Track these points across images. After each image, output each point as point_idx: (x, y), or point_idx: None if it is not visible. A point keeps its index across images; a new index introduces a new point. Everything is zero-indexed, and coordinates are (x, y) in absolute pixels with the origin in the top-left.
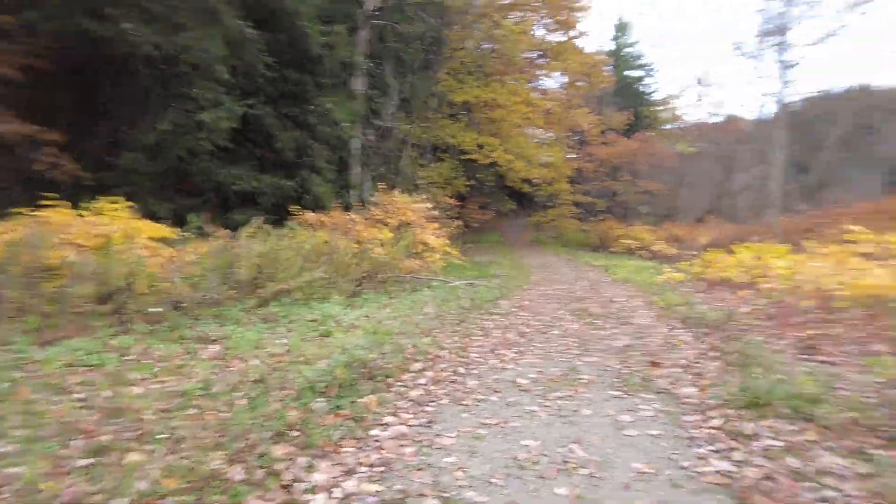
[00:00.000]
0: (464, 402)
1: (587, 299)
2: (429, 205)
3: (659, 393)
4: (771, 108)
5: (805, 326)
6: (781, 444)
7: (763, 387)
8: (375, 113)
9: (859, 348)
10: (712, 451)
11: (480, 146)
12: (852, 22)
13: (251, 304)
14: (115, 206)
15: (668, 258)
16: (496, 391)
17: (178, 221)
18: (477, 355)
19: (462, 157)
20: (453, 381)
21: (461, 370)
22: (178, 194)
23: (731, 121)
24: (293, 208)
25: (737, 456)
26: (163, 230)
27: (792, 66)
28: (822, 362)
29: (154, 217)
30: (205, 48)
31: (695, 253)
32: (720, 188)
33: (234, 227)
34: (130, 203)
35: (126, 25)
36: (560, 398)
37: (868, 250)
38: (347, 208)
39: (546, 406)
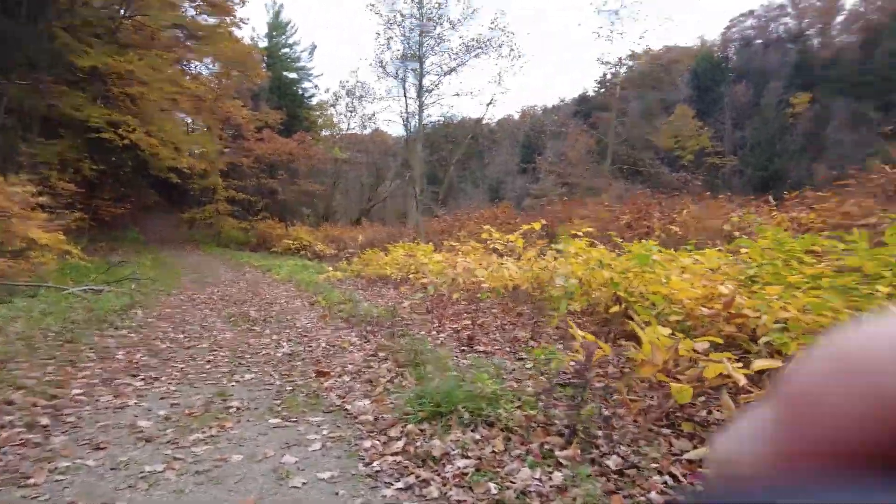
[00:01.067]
0: (30, 480)
1: (245, 303)
2: (31, 189)
3: (329, 412)
4: (412, 125)
5: (460, 318)
6: (474, 463)
7: (441, 389)
8: None
9: (507, 335)
10: (401, 489)
11: (115, 125)
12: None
13: None
14: None
15: (329, 258)
16: (100, 447)
17: None
18: (81, 391)
19: (89, 136)
20: (23, 443)
21: (43, 420)
22: None
23: (379, 134)
24: None
25: (433, 492)
26: None
27: (428, 90)
28: (482, 352)
29: None
30: None
31: (353, 252)
32: (371, 193)
33: None
34: None
35: None
36: (201, 442)
37: (499, 247)
38: None
39: (178, 459)
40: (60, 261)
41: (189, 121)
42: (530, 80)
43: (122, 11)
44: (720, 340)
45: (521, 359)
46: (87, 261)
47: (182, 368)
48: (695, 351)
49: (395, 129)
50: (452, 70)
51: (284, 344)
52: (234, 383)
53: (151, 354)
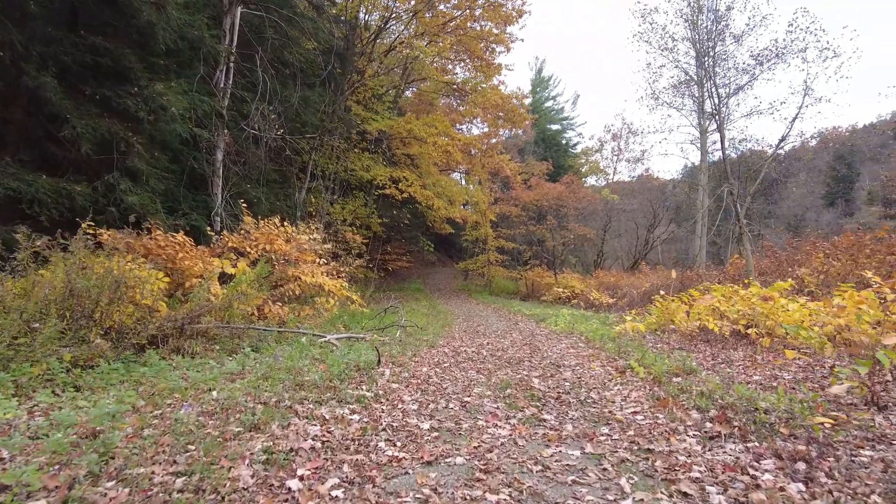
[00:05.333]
0: None
1: (522, 362)
2: (317, 236)
3: None
4: (694, 158)
5: None
6: None
7: None
8: (244, 118)
9: None
10: None
11: (395, 181)
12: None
13: None
14: None
15: (606, 307)
16: None
17: None
18: None
19: (377, 193)
20: None
21: None
22: None
23: (649, 177)
24: (88, 225)
25: None
26: None
27: (711, 115)
28: None
29: None
30: None
31: (635, 300)
32: (648, 236)
33: None
34: None
35: None
36: None
37: None
38: (191, 233)
39: None
40: (340, 307)
41: (460, 176)
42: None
43: (402, 80)
44: None
45: None
46: (366, 307)
47: None
48: None
49: (672, 165)
50: (740, 89)
51: (611, 470)
52: None
53: (359, 480)
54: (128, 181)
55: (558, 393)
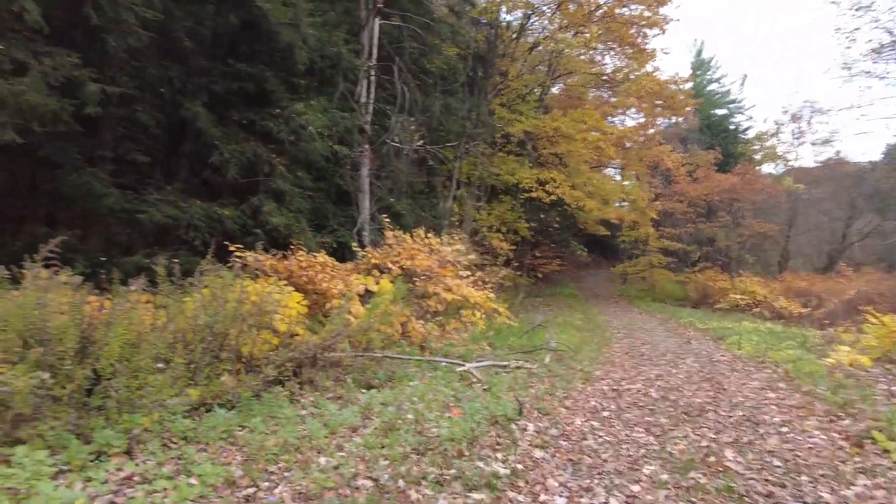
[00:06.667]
0: None
1: (705, 414)
2: (461, 247)
3: None
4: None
5: None
6: None
7: None
8: (387, 131)
9: None
10: None
11: (542, 182)
12: None
13: None
14: None
15: (797, 318)
16: None
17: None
18: None
19: (524, 197)
20: None
21: None
22: (12, 223)
23: (840, 162)
24: (236, 248)
25: None
26: None
27: None
28: None
29: None
30: None
31: (842, 313)
32: (845, 231)
33: (132, 275)
34: None
35: None
36: None
37: None
38: (339, 250)
39: None
40: (486, 321)
41: (615, 172)
42: None
43: (548, 77)
44: None
45: None
46: (513, 320)
47: None
48: None
49: (869, 146)
50: None
51: None
52: None
53: None
54: (272, 202)
55: (767, 486)
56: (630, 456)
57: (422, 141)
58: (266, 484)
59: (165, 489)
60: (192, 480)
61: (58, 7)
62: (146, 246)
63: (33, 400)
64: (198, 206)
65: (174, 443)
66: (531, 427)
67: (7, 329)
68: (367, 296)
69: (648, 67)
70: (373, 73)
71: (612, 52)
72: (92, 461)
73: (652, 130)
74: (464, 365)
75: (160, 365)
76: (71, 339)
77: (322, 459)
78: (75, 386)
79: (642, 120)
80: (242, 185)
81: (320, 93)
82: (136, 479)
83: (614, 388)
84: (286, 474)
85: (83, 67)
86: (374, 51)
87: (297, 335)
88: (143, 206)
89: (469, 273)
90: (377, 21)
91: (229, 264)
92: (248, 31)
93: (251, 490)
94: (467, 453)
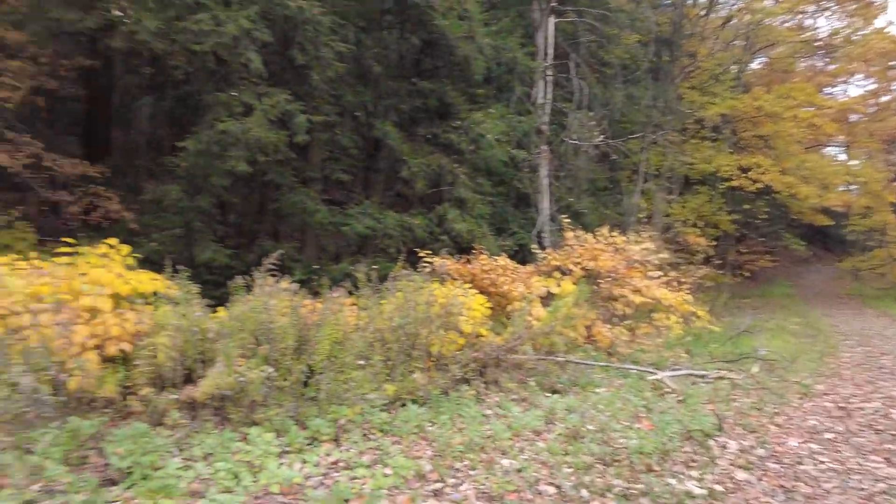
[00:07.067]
0: None
1: None
2: (649, 245)
3: None
4: None
5: None
6: None
7: None
8: (564, 129)
9: None
10: None
11: (744, 169)
12: None
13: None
14: (107, 251)
15: None
16: None
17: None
18: None
19: (724, 186)
20: None
21: None
22: (247, 239)
23: None
24: (425, 254)
25: None
26: (151, 283)
27: None
28: None
29: (194, 267)
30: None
31: None
32: None
33: (337, 282)
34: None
35: (115, 12)
36: None
37: None
38: (519, 252)
39: None
40: (684, 325)
41: (837, 151)
42: None
43: (746, 52)
44: None
45: None
46: (714, 325)
47: None
48: None
49: None
50: None
51: None
52: None
53: None
54: (455, 210)
55: None
56: (863, 490)
57: (603, 136)
58: (452, 480)
59: (364, 477)
60: (387, 471)
61: (272, 53)
62: (350, 254)
63: (263, 389)
64: (392, 217)
65: (373, 434)
66: (733, 445)
67: (243, 329)
68: (548, 298)
69: (878, 23)
70: (549, 72)
71: (828, 13)
72: (308, 445)
73: (886, 98)
74: (656, 373)
75: (361, 362)
76: (290, 337)
77: (505, 461)
78: (294, 379)
79: (872, 87)
80: (429, 195)
81: (497, 99)
82: (341, 464)
83: (841, 405)
84: (471, 472)
85: (293, 102)
86: (550, 50)
87: (481, 336)
88: (346, 219)
89: (661, 273)
90: (551, 20)
91: (419, 269)
92: (429, 49)
93: (439, 485)
94: (657, 468)
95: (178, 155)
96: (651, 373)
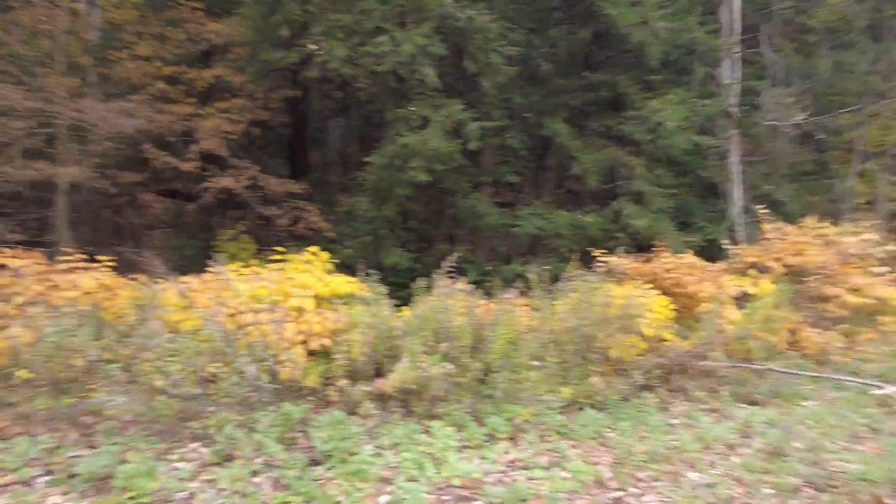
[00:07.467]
0: None
1: None
2: (871, 236)
3: None
4: None
5: None
6: None
7: None
8: (757, 109)
9: None
10: None
11: None
12: None
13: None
14: (309, 258)
15: None
16: None
17: (406, 276)
18: None
19: None
20: None
21: None
22: (426, 243)
23: None
24: (599, 252)
25: None
26: (346, 285)
27: None
28: None
29: (381, 270)
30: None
31: None
32: None
33: (509, 282)
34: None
35: (311, 46)
36: None
37: None
38: (707, 248)
39: None
40: None
41: None
42: None
43: None
44: None
45: None
46: None
47: None
48: None
49: None
50: None
51: None
52: None
53: None
54: (632, 205)
55: None
56: None
57: (805, 113)
58: (634, 490)
59: (542, 478)
60: (565, 474)
61: (445, 65)
62: (521, 255)
63: (443, 384)
64: (562, 216)
65: (550, 436)
66: None
67: (425, 328)
68: (742, 299)
69: None
70: (736, 49)
71: None
72: (485, 442)
73: None
74: (883, 387)
75: (536, 363)
76: (467, 336)
77: (693, 475)
78: (471, 376)
79: None
80: (602, 191)
81: (677, 84)
82: (518, 464)
83: None
84: (654, 484)
85: (466, 110)
86: (736, 25)
87: (665, 340)
88: (516, 220)
89: (887, 269)
90: None
91: (593, 269)
92: (599, 41)
93: (619, 493)
94: (888, 501)
95: (365, 169)
96: (877, 386)
